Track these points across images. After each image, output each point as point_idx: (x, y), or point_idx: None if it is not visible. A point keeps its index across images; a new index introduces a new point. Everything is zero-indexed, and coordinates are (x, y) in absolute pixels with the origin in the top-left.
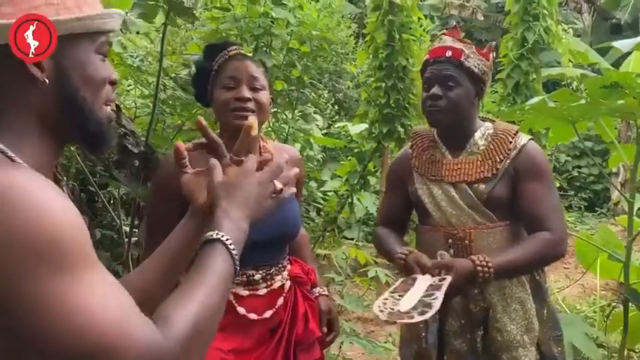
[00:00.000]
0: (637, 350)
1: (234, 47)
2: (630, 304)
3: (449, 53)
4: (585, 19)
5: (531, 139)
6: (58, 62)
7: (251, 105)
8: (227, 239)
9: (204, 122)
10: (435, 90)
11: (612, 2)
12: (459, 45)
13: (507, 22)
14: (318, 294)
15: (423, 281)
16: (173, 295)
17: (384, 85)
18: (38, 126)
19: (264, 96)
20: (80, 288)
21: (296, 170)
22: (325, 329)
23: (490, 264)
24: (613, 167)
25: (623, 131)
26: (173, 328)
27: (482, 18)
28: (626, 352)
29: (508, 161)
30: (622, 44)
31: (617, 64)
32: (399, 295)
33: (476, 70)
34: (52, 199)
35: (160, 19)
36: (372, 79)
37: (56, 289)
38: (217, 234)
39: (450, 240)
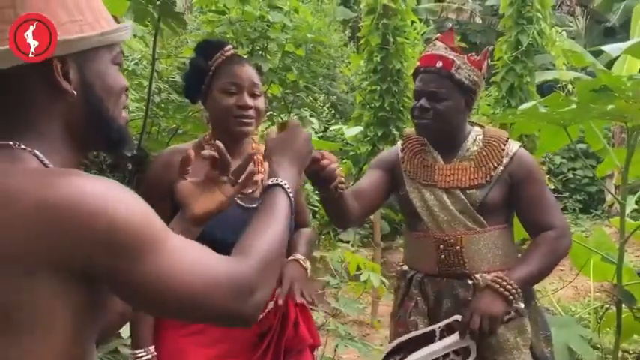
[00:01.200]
0: (631, 351)
1: (229, 47)
2: (623, 305)
3: (439, 64)
4: (579, 22)
5: (521, 145)
6: (83, 74)
7: (252, 112)
8: (285, 184)
9: (221, 146)
10: (423, 102)
11: (605, 5)
12: (450, 55)
13: (502, 25)
14: (288, 259)
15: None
16: (248, 231)
17: (378, 88)
18: (65, 135)
19: (262, 102)
20: (169, 255)
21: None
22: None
23: (510, 281)
24: (603, 174)
25: (617, 134)
26: (249, 257)
27: (481, 21)
28: (620, 353)
29: (501, 168)
30: (611, 48)
31: (608, 66)
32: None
33: (466, 81)
34: (115, 191)
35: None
36: (367, 82)
37: (154, 262)
38: (277, 180)
39: (441, 246)
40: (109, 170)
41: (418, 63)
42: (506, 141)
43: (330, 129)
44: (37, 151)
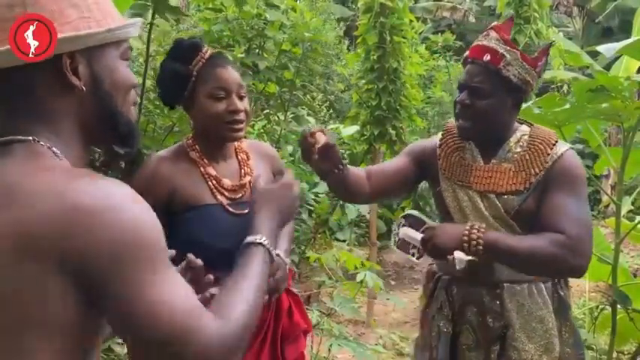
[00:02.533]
0: (625, 352)
1: (206, 48)
2: (618, 305)
3: (487, 57)
4: (576, 23)
5: (570, 147)
6: (92, 70)
7: (243, 116)
8: (267, 242)
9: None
10: (464, 97)
11: (602, 6)
12: (501, 48)
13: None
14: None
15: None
16: (223, 292)
17: (375, 87)
18: (77, 130)
19: (247, 102)
20: (164, 283)
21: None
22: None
23: (482, 235)
24: (600, 172)
25: (613, 134)
26: (228, 321)
27: (475, 20)
28: (615, 354)
29: (543, 174)
30: (606, 48)
31: (608, 67)
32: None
33: (514, 79)
34: (144, 207)
35: (148, 17)
36: (364, 81)
37: (148, 283)
38: (260, 238)
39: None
40: (102, 168)
41: (467, 52)
42: (554, 143)
43: (328, 127)
44: (54, 148)
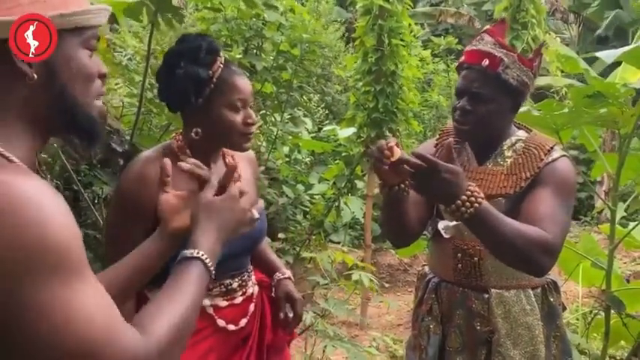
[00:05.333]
0: (618, 357)
1: (221, 52)
2: (612, 311)
3: (485, 62)
4: (572, 30)
5: (565, 155)
6: (46, 58)
7: (255, 127)
8: (205, 257)
9: (198, 163)
10: (464, 103)
11: (598, 14)
12: (499, 52)
13: None
14: (277, 279)
15: None
16: (151, 305)
17: (372, 89)
18: (26, 120)
19: None
20: (77, 297)
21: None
22: (287, 313)
23: (480, 199)
24: (596, 177)
25: (607, 140)
26: (152, 336)
27: (480, 26)
28: (607, 359)
29: (533, 178)
30: (606, 55)
31: (603, 73)
32: None
33: (514, 83)
34: (55, 208)
35: (148, 16)
36: (361, 83)
37: (55, 297)
38: (197, 252)
39: (459, 254)
40: (99, 165)
41: (463, 57)
42: (549, 150)
43: (324, 129)
44: None
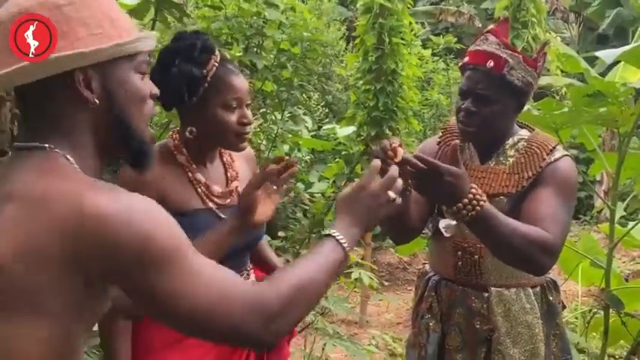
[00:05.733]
0: (617, 356)
1: (217, 50)
2: (611, 310)
3: (490, 64)
4: (572, 29)
5: (567, 155)
6: (104, 84)
7: (251, 126)
8: (337, 235)
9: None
10: (469, 105)
11: (598, 13)
12: (503, 53)
13: None
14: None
15: None
16: (287, 265)
17: (372, 88)
18: (92, 142)
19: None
20: (192, 268)
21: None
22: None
23: (482, 202)
24: (596, 175)
25: (607, 140)
26: (275, 286)
27: (480, 25)
28: (606, 358)
29: (535, 177)
30: (605, 54)
31: (603, 73)
32: None
33: (519, 83)
34: (157, 210)
35: (150, 14)
36: (362, 81)
37: (180, 274)
38: (331, 231)
39: (460, 252)
40: None
41: (467, 58)
42: (552, 149)
43: (324, 128)
44: (68, 155)
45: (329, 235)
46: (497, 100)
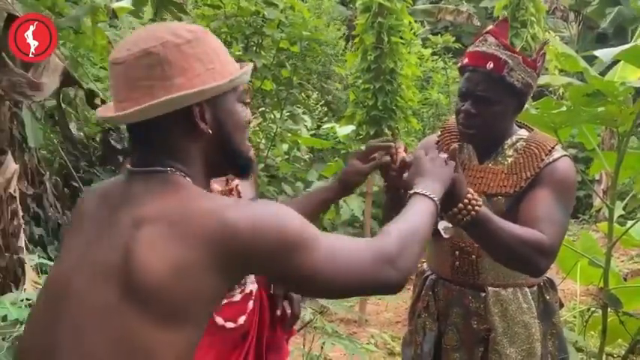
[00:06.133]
0: (615, 355)
1: None
2: (609, 308)
3: (490, 65)
4: (572, 28)
5: (566, 155)
6: (216, 115)
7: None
8: (422, 190)
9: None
10: (469, 107)
11: (598, 12)
12: (503, 54)
13: None
14: None
15: None
16: (391, 221)
17: (371, 87)
18: (203, 165)
19: None
20: (322, 245)
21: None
22: (285, 311)
23: (477, 207)
24: (595, 174)
25: (606, 139)
26: (389, 236)
27: (479, 23)
28: (604, 357)
29: (533, 178)
30: (604, 53)
31: (602, 73)
32: None
33: (518, 85)
34: (282, 207)
35: (149, 14)
36: (361, 80)
37: (314, 252)
38: (413, 190)
39: (457, 252)
40: (98, 163)
41: (466, 59)
42: (551, 150)
43: (323, 127)
44: (187, 178)
45: (415, 193)
46: (498, 101)
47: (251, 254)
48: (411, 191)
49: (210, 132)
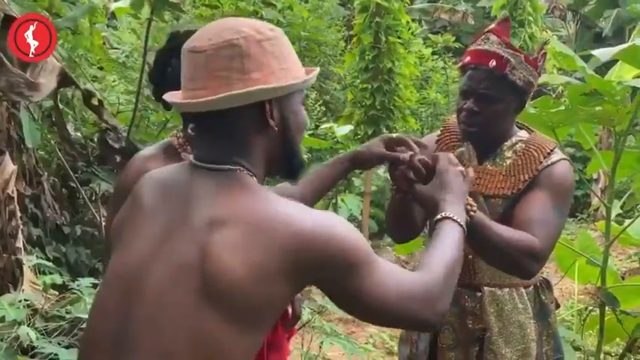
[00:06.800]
0: (612, 353)
1: None
2: (606, 307)
3: (492, 63)
4: (570, 28)
5: (565, 158)
6: (282, 113)
7: None
8: (451, 214)
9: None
10: (471, 105)
11: (596, 12)
12: (505, 53)
13: None
14: None
15: None
16: (427, 252)
17: (369, 86)
18: (263, 162)
19: None
20: (379, 270)
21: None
22: (286, 310)
23: (472, 212)
24: (592, 174)
25: (604, 138)
26: (433, 273)
27: (473, 22)
28: (602, 355)
29: (531, 180)
30: (601, 53)
31: (599, 71)
32: None
33: (520, 83)
34: (349, 224)
35: (145, 14)
36: (359, 80)
37: (369, 274)
38: (445, 214)
39: None
40: (96, 163)
41: (468, 58)
42: (549, 152)
43: (321, 127)
44: (254, 177)
45: (443, 218)
46: (500, 99)
47: (320, 265)
48: (445, 214)
49: (277, 129)
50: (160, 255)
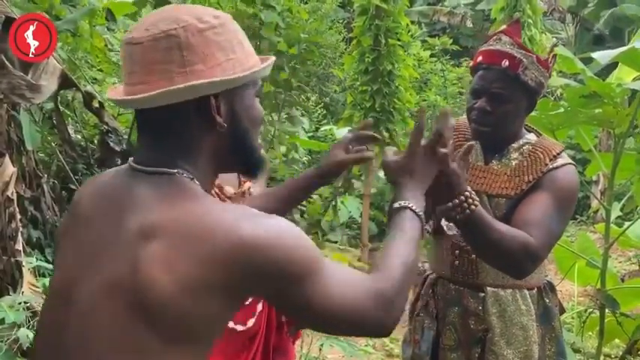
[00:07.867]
0: (612, 355)
1: None
2: (606, 309)
3: (505, 63)
4: (569, 30)
5: (571, 163)
6: (232, 108)
7: None
8: (412, 205)
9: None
10: (483, 104)
11: (594, 14)
12: (518, 53)
13: (493, 30)
14: None
15: None
16: (384, 251)
17: (369, 89)
18: (211, 161)
19: None
20: (329, 278)
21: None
22: None
23: (474, 206)
24: (592, 176)
25: (603, 140)
26: (386, 274)
27: (472, 25)
28: (602, 357)
29: (535, 182)
30: (601, 55)
31: (599, 73)
32: None
33: (532, 83)
34: (297, 230)
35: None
36: (358, 82)
37: (317, 284)
38: (405, 202)
39: (457, 251)
40: (96, 165)
41: (480, 57)
42: (555, 156)
43: (321, 129)
44: (195, 180)
45: (403, 207)
46: (511, 99)
47: (265, 276)
48: (403, 203)
49: (225, 125)
50: (93, 267)
